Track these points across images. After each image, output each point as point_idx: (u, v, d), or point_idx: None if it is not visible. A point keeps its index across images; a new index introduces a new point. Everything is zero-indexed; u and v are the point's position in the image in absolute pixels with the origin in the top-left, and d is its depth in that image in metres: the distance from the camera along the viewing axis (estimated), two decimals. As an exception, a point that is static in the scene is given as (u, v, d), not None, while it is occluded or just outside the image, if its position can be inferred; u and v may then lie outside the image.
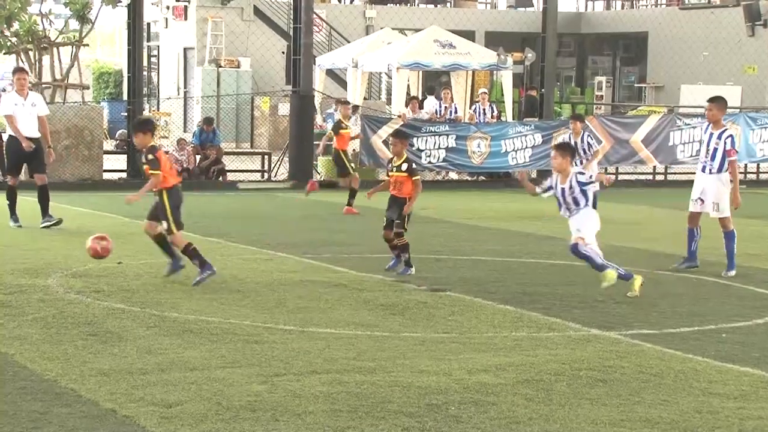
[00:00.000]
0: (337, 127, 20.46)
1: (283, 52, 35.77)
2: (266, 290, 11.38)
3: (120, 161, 24.91)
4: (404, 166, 12.65)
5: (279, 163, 26.19)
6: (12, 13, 29.12)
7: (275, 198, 22.47)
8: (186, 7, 38.58)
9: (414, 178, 12.63)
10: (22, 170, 17.08)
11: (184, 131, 33.40)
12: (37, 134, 16.68)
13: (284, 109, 32.48)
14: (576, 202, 11.40)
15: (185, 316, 9.94)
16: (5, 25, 29.08)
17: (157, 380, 7.69)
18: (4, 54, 30.28)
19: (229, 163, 25.84)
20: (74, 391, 7.39)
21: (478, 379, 7.91)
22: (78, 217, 18.42)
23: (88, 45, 34.26)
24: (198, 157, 25.10)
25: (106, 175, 24.14)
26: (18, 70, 17.75)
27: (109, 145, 29.65)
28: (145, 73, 33.36)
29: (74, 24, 33.30)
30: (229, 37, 37.43)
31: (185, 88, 38.84)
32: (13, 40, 29.93)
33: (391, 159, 13.00)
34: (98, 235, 12.02)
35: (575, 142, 18.81)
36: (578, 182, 11.34)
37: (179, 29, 39.05)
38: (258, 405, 7.13)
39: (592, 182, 11.56)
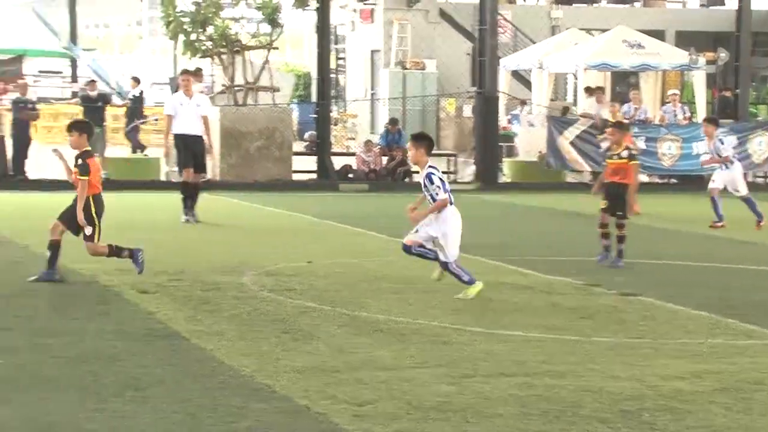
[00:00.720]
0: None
1: (468, 54, 35.77)
2: (454, 291, 11.39)
3: (309, 162, 25.35)
4: (624, 153, 13.49)
5: (465, 164, 26.22)
6: (206, 18, 29.99)
7: (461, 199, 22.36)
8: (373, 9, 39.03)
9: (632, 163, 13.50)
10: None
11: (371, 132, 33.79)
12: (198, 132, 17.27)
13: (469, 110, 32.49)
14: (433, 199, 10.91)
15: (375, 316, 10.04)
16: (200, 29, 29.96)
17: (349, 378, 7.79)
18: (200, 57, 31.18)
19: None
20: (269, 387, 7.56)
21: (673, 385, 7.72)
22: (270, 216, 18.89)
23: (278, 48, 34.98)
24: (384, 158, 25.36)
25: (296, 176, 24.61)
26: (183, 72, 18.48)
27: (298, 146, 30.25)
28: (333, 75, 33.95)
29: (265, 28, 34.04)
30: (414, 39, 37.67)
31: (372, 89, 39.30)
32: (208, 43, 30.81)
33: (609, 148, 13.94)
34: None
35: (708, 146, 18.07)
36: (428, 178, 10.81)
37: (366, 32, 39.53)
38: (447, 406, 7.14)
39: (440, 184, 10.80)
